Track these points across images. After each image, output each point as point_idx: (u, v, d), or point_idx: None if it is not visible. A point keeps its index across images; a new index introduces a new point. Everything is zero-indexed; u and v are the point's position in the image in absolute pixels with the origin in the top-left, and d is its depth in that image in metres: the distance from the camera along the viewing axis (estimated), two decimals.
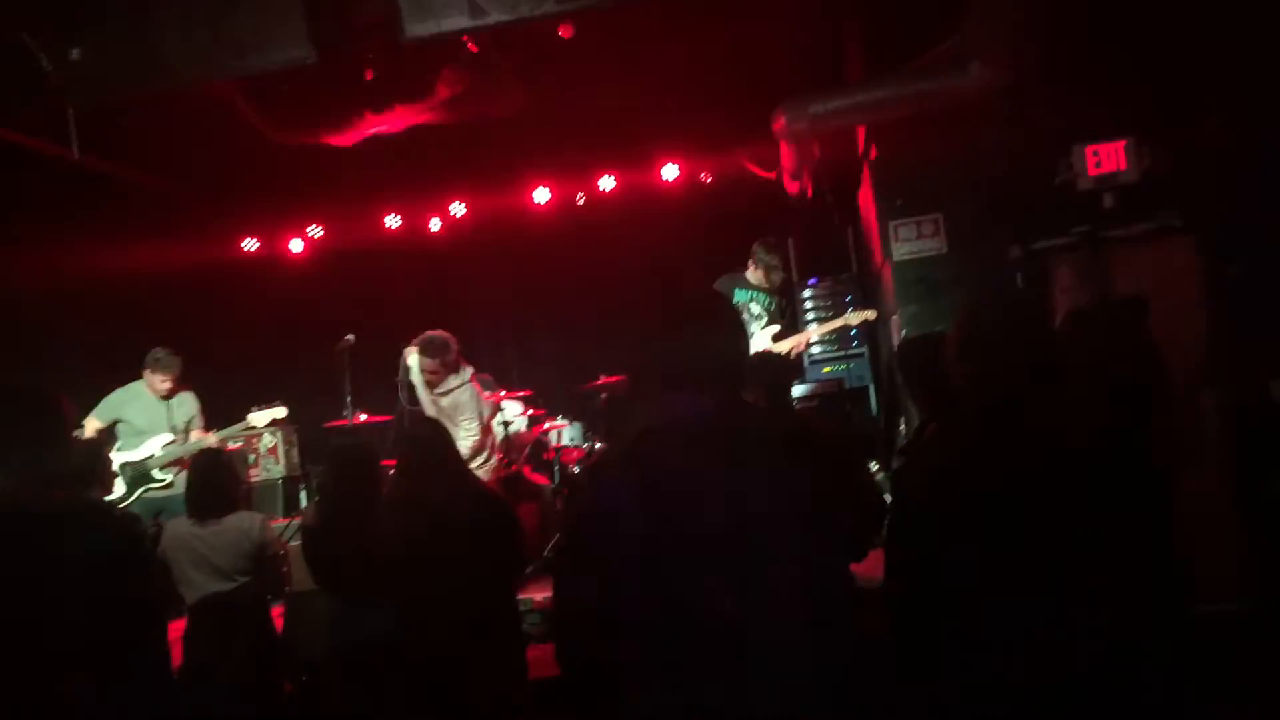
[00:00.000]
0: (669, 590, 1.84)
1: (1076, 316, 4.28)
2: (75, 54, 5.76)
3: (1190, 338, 6.54)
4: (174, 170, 9.11)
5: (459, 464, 4.73)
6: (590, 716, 1.93)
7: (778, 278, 7.27)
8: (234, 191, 9.88)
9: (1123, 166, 6.71)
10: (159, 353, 7.22)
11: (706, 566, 1.85)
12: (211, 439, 7.12)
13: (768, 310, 7.21)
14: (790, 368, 4.47)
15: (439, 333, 6.90)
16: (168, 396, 7.26)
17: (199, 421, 7.43)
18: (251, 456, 8.87)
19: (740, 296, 7.25)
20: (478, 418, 6.84)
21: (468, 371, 7.02)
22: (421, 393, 6.91)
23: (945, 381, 2.80)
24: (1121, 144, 6.69)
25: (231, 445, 8.75)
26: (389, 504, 4.54)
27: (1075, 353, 3.73)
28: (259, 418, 7.53)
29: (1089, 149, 6.75)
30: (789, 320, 7.29)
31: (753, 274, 7.26)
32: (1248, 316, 6.54)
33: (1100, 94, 6.77)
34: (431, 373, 6.81)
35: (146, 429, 7.09)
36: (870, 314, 7.25)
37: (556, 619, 1.94)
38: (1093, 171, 6.74)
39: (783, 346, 6.98)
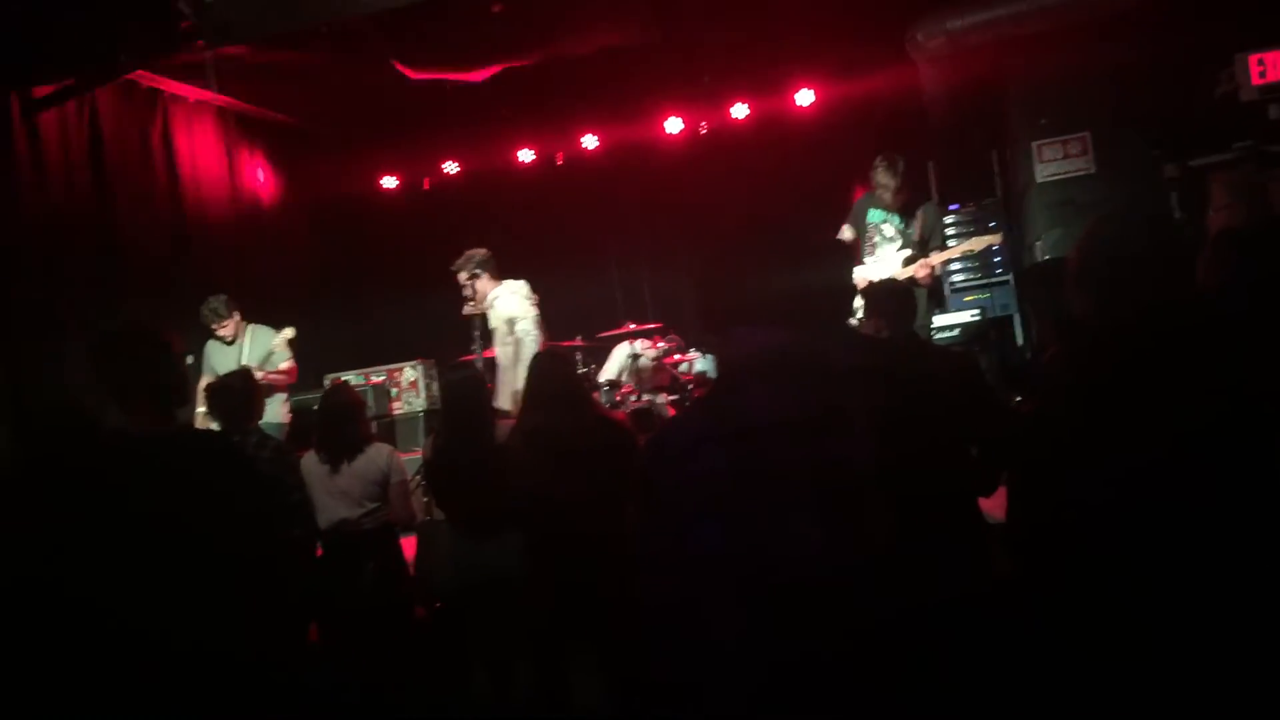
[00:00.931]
0: (749, 530, 1.78)
1: (1227, 238, 3.95)
2: None
3: None
4: (313, 110, 9.31)
5: (583, 393, 4.73)
6: (673, 656, 1.89)
7: (888, 197, 6.85)
8: (372, 129, 10.06)
9: None
10: (210, 302, 7.38)
11: (787, 507, 1.78)
12: (284, 353, 7.30)
13: (901, 232, 6.91)
14: (909, 294, 4.26)
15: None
16: (232, 341, 7.47)
17: (282, 353, 7.53)
18: (394, 390, 9.12)
19: (874, 217, 6.99)
20: (531, 321, 7.10)
21: (506, 285, 7.28)
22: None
23: (1068, 308, 2.64)
24: None
25: (374, 379, 9.03)
26: (515, 434, 4.58)
27: (1226, 276, 3.46)
28: (278, 341, 7.57)
29: (1253, 57, 6.28)
30: (931, 243, 6.89)
31: (880, 194, 6.96)
32: None
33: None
34: (465, 291, 7.10)
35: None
36: (995, 238, 6.86)
37: (634, 556, 1.90)
38: (1257, 81, 6.27)
39: (908, 271, 6.70)
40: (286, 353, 7.57)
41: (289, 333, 7.57)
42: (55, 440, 3.24)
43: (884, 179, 6.83)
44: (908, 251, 6.80)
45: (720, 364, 2.08)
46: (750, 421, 1.84)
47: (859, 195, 7.10)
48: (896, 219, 6.94)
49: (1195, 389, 2.19)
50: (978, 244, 6.76)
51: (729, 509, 1.79)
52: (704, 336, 2.28)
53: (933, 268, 6.68)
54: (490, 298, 7.33)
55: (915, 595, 1.88)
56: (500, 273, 7.38)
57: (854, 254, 6.18)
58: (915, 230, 6.86)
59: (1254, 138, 6.32)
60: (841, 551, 1.81)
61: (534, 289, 7.31)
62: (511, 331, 7.15)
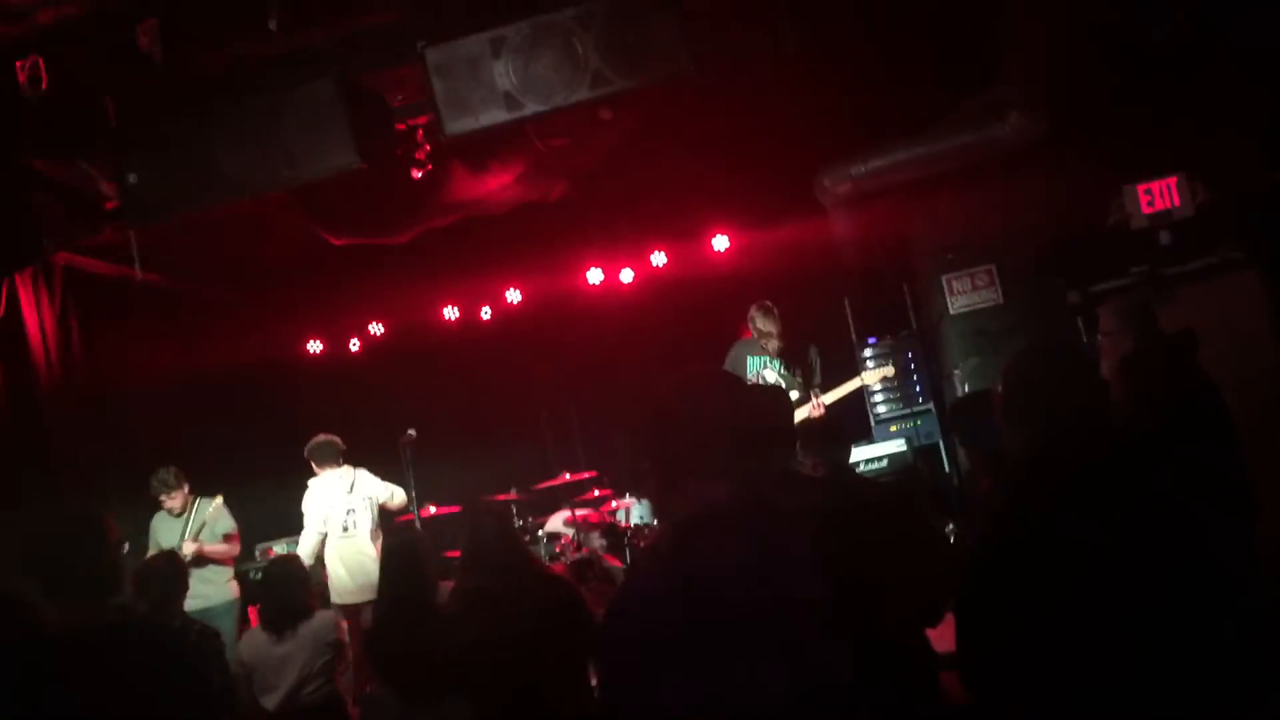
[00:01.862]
0: (712, 682, 1.80)
1: (1125, 361, 4.17)
2: (132, 178, 5.97)
3: (1261, 371, 6.37)
4: (233, 278, 9.35)
5: (521, 551, 4.71)
6: None
7: (772, 345, 7.03)
8: (296, 294, 10.10)
9: (1176, 203, 6.62)
10: (159, 474, 7.34)
11: (746, 656, 1.82)
12: (188, 548, 7.13)
13: (783, 375, 7.07)
14: (838, 430, 4.37)
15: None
16: (181, 512, 7.37)
17: (224, 522, 7.48)
18: None
19: (754, 365, 7.16)
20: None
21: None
22: None
23: (997, 439, 2.75)
24: (1173, 180, 6.61)
25: None
26: (454, 597, 4.52)
27: (1130, 398, 3.64)
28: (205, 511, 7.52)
29: (1140, 188, 6.68)
30: (813, 381, 7.09)
31: (761, 342, 7.12)
32: None
33: (1146, 133, 6.69)
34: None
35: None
36: (888, 370, 7.09)
37: (596, 713, 1.91)
38: (1146, 210, 6.66)
39: (802, 413, 6.83)
40: (227, 521, 7.42)
41: (218, 501, 7.46)
42: None
43: (764, 326, 7.02)
44: (795, 394, 6.94)
45: (672, 516, 2.13)
46: (704, 574, 1.88)
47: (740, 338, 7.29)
48: (778, 364, 7.11)
49: (1129, 506, 2.29)
50: (870, 378, 6.97)
51: (691, 663, 1.82)
52: (652, 490, 2.32)
53: (825, 407, 6.85)
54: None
55: None
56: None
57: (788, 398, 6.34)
58: (798, 373, 7.04)
59: (1148, 262, 6.67)
60: (803, 693, 1.84)
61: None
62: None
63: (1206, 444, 3.95)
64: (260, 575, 5.39)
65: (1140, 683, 2.21)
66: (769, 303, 7.07)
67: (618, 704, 1.88)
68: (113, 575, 2.97)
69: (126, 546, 3.24)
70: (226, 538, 7.43)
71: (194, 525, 7.34)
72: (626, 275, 10.23)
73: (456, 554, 7.64)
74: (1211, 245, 6.61)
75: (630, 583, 2.05)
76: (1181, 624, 2.23)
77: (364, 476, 7.72)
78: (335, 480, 7.60)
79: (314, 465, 7.70)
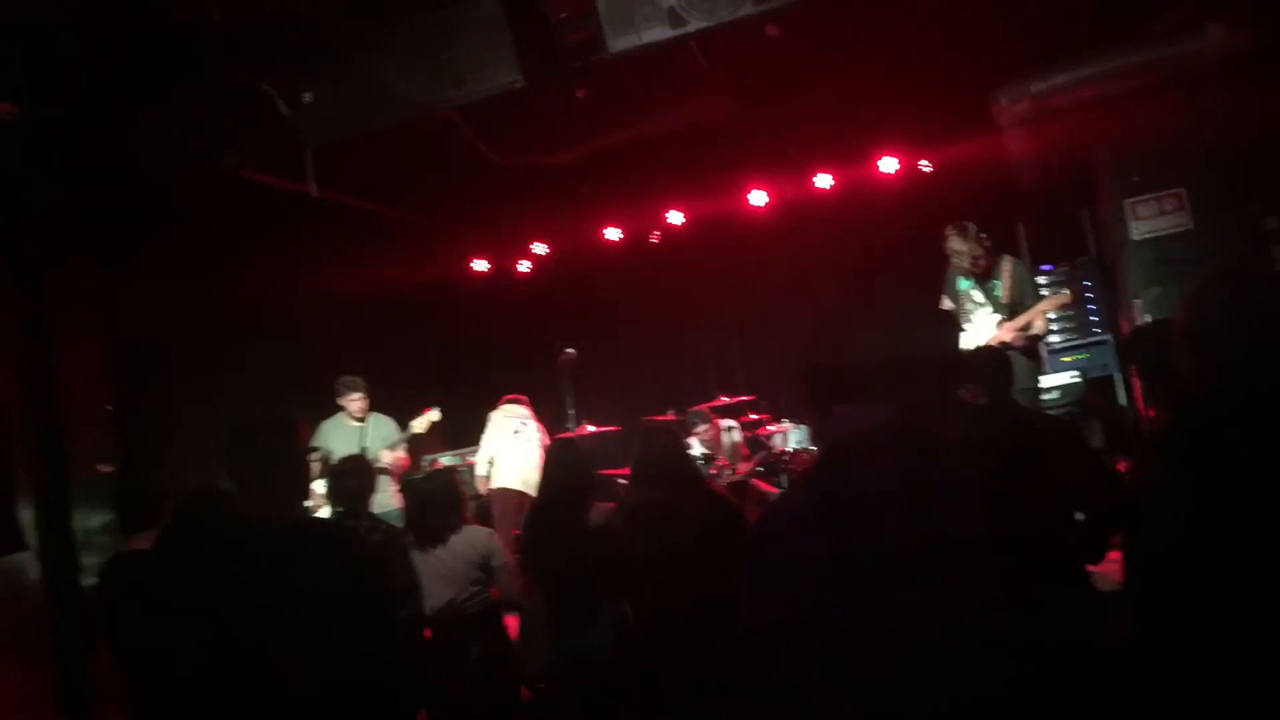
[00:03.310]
0: (855, 609, 1.77)
1: None
2: (307, 97, 6.15)
3: None
4: (404, 198, 9.57)
5: (690, 468, 4.73)
6: None
7: (966, 263, 6.79)
8: (462, 215, 10.29)
9: None
10: (345, 378, 7.77)
11: (893, 584, 1.77)
12: (386, 457, 7.54)
13: (990, 296, 6.82)
14: (1004, 359, 4.20)
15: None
16: (362, 419, 7.67)
17: (401, 438, 7.86)
18: None
19: (962, 285, 6.94)
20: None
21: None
22: None
23: (1175, 372, 2.58)
24: None
25: (471, 460, 9.15)
26: (622, 509, 4.60)
27: None
28: (419, 423, 7.96)
29: None
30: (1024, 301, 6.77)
31: (957, 263, 6.90)
32: None
33: None
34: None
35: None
36: (1065, 297, 6.72)
37: (739, 635, 1.90)
38: None
39: (1000, 336, 6.60)
40: (402, 435, 7.85)
41: (434, 414, 7.85)
42: (190, 525, 3.32)
43: (957, 246, 6.78)
44: (999, 316, 6.72)
45: (825, 442, 2.08)
46: (857, 499, 1.83)
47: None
48: (970, 283, 6.88)
49: None
50: (1049, 305, 6.65)
51: (839, 587, 1.78)
52: (807, 414, 2.31)
53: (1021, 329, 6.58)
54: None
55: (1027, 663, 1.84)
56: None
57: (954, 323, 6.11)
58: (1003, 292, 6.77)
59: None
60: (952, 623, 1.79)
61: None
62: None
63: None
64: (412, 486, 5.54)
65: None
66: (965, 222, 6.83)
67: (761, 625, 1.86)
68: (304, 478, 3.11)
69: (319, 453, 3.38)
70: (403, 450, 7.80)
71: (377, 435, 7.68)
72: (789, 198, 10.04)
73: (613, 471, 7.84)
74: None
75: (778, 504, 2.02)
76: None
77: None
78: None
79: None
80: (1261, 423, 2.19)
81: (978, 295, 6.85)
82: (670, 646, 4.22)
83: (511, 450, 8.21)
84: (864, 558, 1.79)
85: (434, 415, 8.00)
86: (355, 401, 7.72)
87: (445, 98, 6.20)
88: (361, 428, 7.75)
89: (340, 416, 7.80)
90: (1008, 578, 1.87)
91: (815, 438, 4.50)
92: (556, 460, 4.89)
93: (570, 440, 5.19)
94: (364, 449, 7.51)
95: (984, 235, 6.77)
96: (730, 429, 8.51)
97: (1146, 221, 7.12)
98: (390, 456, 7.73)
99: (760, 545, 1.90)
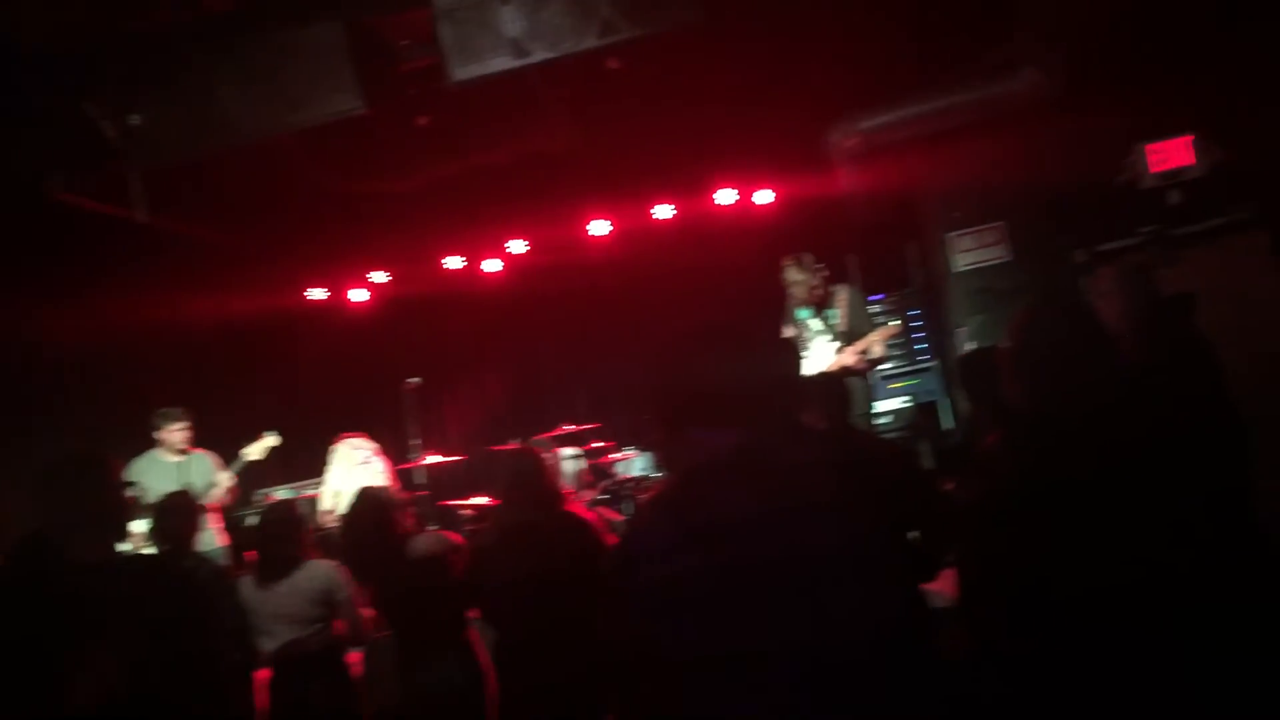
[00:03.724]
0: (719, 630, 1.81)
1: (1127, 320, 4.20)
2: (135, 119, 5.93)
3: (1268, 332, 6.37)
4: (237, 224, 9.28)
5: (559, 491, 4.73)
6: None
7: (804, 293, 7.01)
8: (298, 242, 10.03)
9: (1188, 162, 6.57)
10: (165, 409, 7.35)
11: (757, 604, 1.82)
12: (223, 477, 7.30)
13: (829, 325, 7.06)
14: (842, 384, 4.37)
15: None
16: (183, 454, 7.36)
17: (218, 477, 7.51)
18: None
19: (801, 314, 7.16)
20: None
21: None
22: None
23: (1003, 395, 2.74)
24: (1186, 140, 6.56)
25: (308, 493, 8.91)
26: (493, 531, 4.59)
27: (1132, 357, 3.64)
28: (251, 450, 7.71)
29: (1151, 147, 6.63)
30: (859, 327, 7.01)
31: (795, 292, 7.12)
32: None
33: (1159, 91, 6.61)
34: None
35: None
36: (892, 328, 7.02)
37: (601, 656, 1.92)
38: (1155, 169, 6.61)
39: (840, 361, 6.85)
40: (226, 472, 7.49)
41: (272, 439, 7.58)
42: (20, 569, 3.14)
43: (795, 276, 6.99)
44: (836, 344, 6.96)
45: (679, 464, 2.13)
46: (715, 520, 1.88)
47: None
48: (808, 313, 7.11)
49: (1137, 461, 2.29)
50: (884, 335, 6.91)
51: (700, 611, 1.82)
52: (660, 437, 2.37)
53: (862, 353, 6.82)
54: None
55: (875, 676, 1.92)
56: None
57: (796, 351, 6.29)
58: (840, 320, 7.01)
59: (1157, 222, 6.63)
60: (806, 639, 1.85)
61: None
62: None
63: (1196, 405, 3.98)
64: (257, 521, 5.36)
65: (1141, 636, 2.22)
66: (801, 254, 7.04)
67: (624, 646, 1.88)
68: (121, 516, 2.98)
69: (134, 487, 3.25)
70: (228, 490, 7.51)
71: (198, 471, 7.36)
72: (630, 228, 10.16)
73: (457, 502, 7.75)
74: (1222, 206, 6.56)
75: (637, 530, 2.05)
76: (1177, 578, 2.24)
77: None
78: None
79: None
80: (1084, 440, 2.35)
81: (815, 324, 7.07)
82: (536, 669, 4.22)
83: (360, 482, 8.04)
84: (722, 576, 1.84)
85: (271, 440, 7.75)
86: (176, 434, 7.31)
87: (282, 123, 6.08)
88: (180, 463, 7.35)
89: (156, 452, 7.37)
90: (854, 595, 1.94)
91: (665, 461, 4.57)
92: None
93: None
94: (187, 485, 7.19)
95: (820, 266, 7.01)
96: (575, 457, 8.52)
97: (968, 254, 7.49)
98: (225, 489, 7.44)
99: (621, 567, 1.93)
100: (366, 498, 4.90)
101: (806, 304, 7.07)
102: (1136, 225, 6.74)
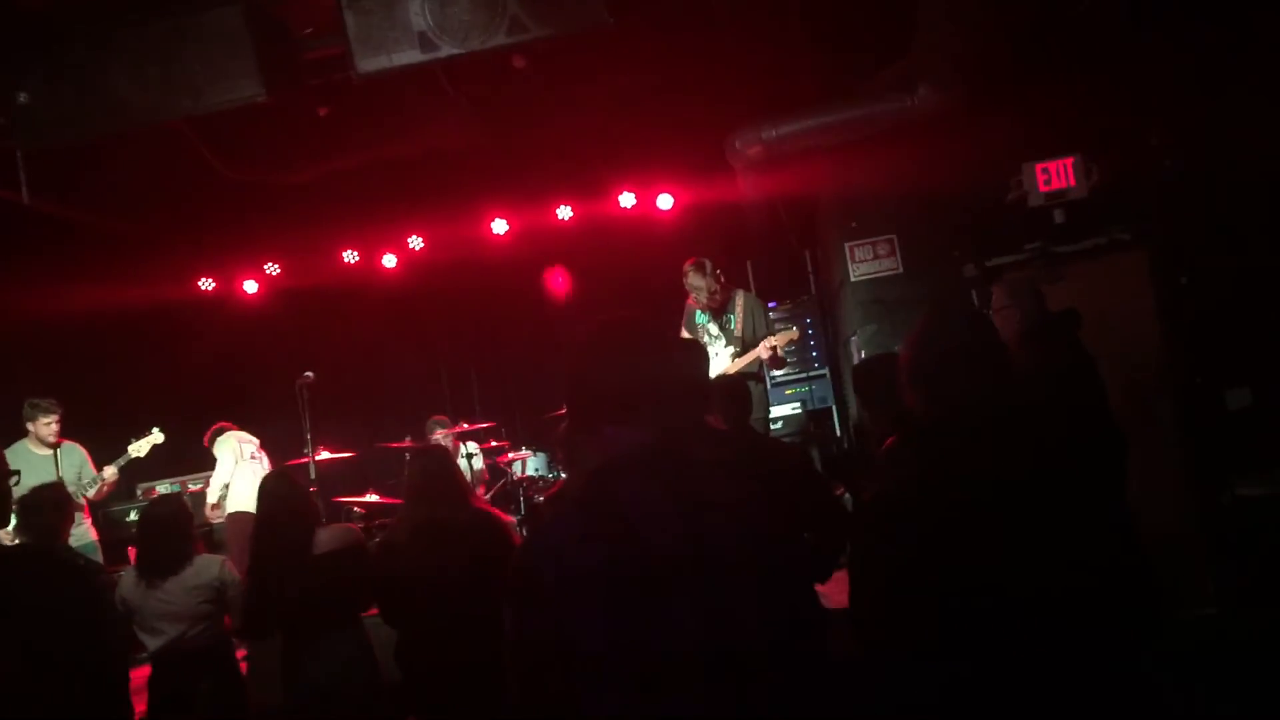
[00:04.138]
0: (623, 623, 1.84)
1: (1012, 336, 4.42)
2: (23, 97, 5.70)
3: (1146, 348, 6.66)
4: (127, 210, 9.00)
5: (466, 487, 4.70)
6: None
7: (704, 298, 7.12)
8: (188, 231, 9.77)
9: (1072, 183, 6.82)
10: (36, 400, 7.14)
11: (663, 601, 1.85)
12: (108, 472, 7.14)
13: (724, 330, 7.17)
14: (744, 388, 4.45)
15: None
16: (54, 446, 7.14)
17: (89, 470, 7.32)
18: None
19: (700, 319, 7.25)
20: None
21: None
22: None
23: (900, 401, 2.82)
24: (1070, 160, 6.81)
25: (193, 487, 8.70)
26: (401, 527, 4.54)
27: (1024, 367, 3.79)
28: (138, 447, 7.57)
29: (1039, 166, 6.87)
30: (757, 331, 7.11)
31: (696, 297, 7.20)
32: (1200, 326, 6.66)
33: (1049, 112, 6.86)
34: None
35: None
36: (793, 334, 7.15)
37: (508, 656, 1.93)
38: (1043, 188, 6.85)
39: (739, 365, 6.96)
40: (111, 468, 7.27)
41: (157, 436, 7.34)
42: None
43: (695, 282, 7.08)
44: (733, 348, 7.06)
45: (585, 462, 2.14)
46: (625, 516, 1.91)
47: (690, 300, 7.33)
48: (705, 317, 7.21)
49: (1030, 465, 2.40)
50: (782, 340, 7.03)
51: (607, 601, 1.84)
52: (568, 435, 2.38)
53: (772, 349, 6.89)
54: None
55: (777, 675, 1.97)
56: None
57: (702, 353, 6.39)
58: (737, 325, 7.12)
59: (1042, 240, 6.88)
60: (711, 636, 1.89)
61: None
62: None
63: (1081, 414, 4.17)
64: (139, 516, 5.19)
65: (1021, 638, 2.31)
66: (702, 259, 7.11)
67: (529, 641, 1.89)
68: (6, 503, 2.89)
69: (16, 479, 3.14)
70: (107, 484, 7.29)
71: (69, 464, 7.11)
72: (530, 227, 10.14)
73: (350, 499, 7.65)
74: (1102, 226, 6.84)
75: (545, 526, 2.06)
76: (1059, 585, 2.34)
77: None
78: None
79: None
80: (979, 444, 2.44)
81: (713, 328, 7.17)
82: (444, 665, 4.20)
83: (248, 475, 7.88)
84: (632, 572, 1.86)
85: (156, 437, 7.55)
86: (47, 426, 7.08)
87: (179, 108, 5.90)
88: (50, 455, 7.12)
89: (25, 443, 7.13)
90: (756, 593, 1.99)
91: (571, 458, 4.59)
92: (271, 493, 4.72)
93: (282, 472, 4.99)
94: (60, 479, 6.94)
95: (719, 271, 7.10)
96: (471, 455, 8.49)
97: (862, 264, 7.65)
98: (100, 482, 7.20)
99: (528, 562, 1.94)
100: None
101: (706, 308, 7.17)
102: (1023, 242, 6.98)
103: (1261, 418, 6.50)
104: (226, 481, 7.97)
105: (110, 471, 7.23)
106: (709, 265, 7.07)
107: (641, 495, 1.93)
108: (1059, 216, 6.88)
